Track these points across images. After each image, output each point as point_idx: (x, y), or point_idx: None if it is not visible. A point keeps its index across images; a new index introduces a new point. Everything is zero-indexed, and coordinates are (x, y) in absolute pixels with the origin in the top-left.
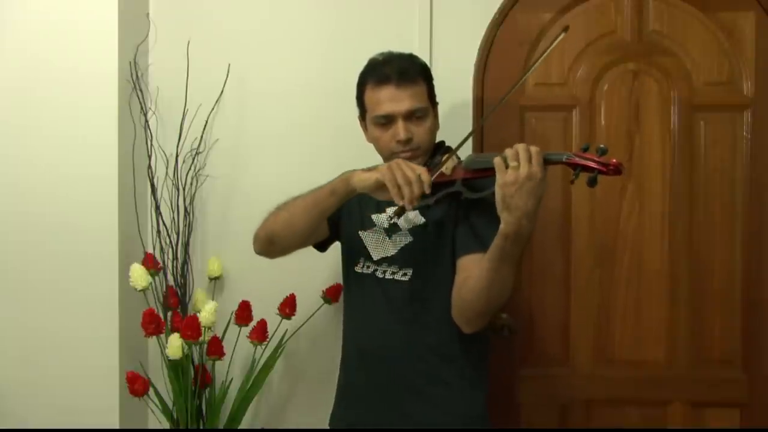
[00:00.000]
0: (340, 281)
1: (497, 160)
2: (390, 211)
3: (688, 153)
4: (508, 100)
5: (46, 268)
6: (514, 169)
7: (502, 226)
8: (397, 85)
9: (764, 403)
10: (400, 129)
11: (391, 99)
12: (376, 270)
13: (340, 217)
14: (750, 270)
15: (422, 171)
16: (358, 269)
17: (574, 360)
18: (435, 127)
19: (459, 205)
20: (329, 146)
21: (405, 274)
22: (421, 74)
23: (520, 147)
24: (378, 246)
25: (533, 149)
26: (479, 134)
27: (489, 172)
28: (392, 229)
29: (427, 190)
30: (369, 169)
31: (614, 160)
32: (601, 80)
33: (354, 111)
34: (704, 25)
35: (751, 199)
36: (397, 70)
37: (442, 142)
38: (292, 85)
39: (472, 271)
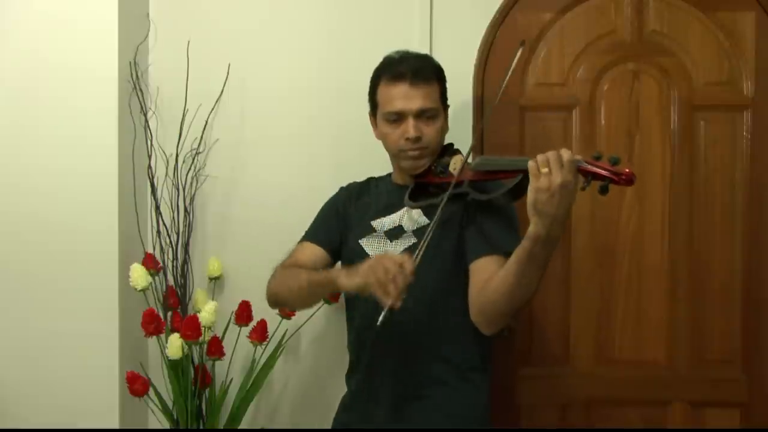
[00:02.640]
0: None
1: (532, 165)
2: (405, 223)
3: (688, 153)
4: (505, 100)
5: (46, 268)
6: (547, 176)
7: (531, 228)
8: (411, 84)
9: (764, 403)
10: (410, 127)
11: (404, 97)
12: None
13: (343, 240)
14: (750, 270)
15: (405, 259)
16: None
17: (574, 360)
18: (444, 128)
19: (466, 207)
20: (329, 146)
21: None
22: (436, 75)
23: (551, 154)
24: (381, 251)
25: (566, 157)
26: (479, 136)
27: (498, 175)
28: (394, 233)
29: (411, 279)
30: (353, 268)
31: (627, 170)
32: (601, 80)
33: (354, 110)
34: (704, 25)
35: (751, 199)
36: (413, 69)
37: (451, 144)
38: (292, 85)
39: (494, 272)
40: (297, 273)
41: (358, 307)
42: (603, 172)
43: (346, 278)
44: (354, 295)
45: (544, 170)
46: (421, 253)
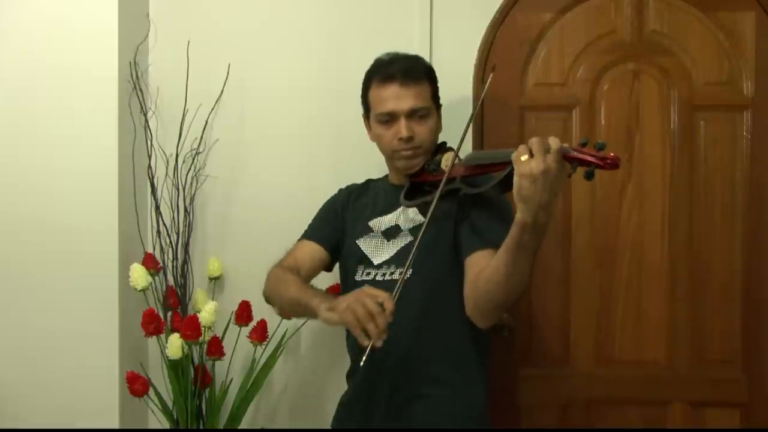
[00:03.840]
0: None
1: (514, 153)
2: (401, 221)
3: (688, 153)
4: (504, 101)
5: (46, 268)
6: (528, 163)
7: (518, 215)
8: (401, 84)
9: (764, 403)
10: (402, 127)
11: (395, 97)
12: (376, 275)
13: (341, 240)
14: (750, 270)
15: (385, 297)
16: (357, 277)
17: (574, 360)
18: (437, 127)
19: (459, 202)
20: (329, 146)
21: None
22: (426, 75)
23: (535, 141)
24: (378, 250)
25: (553, 144)
26: (479, 134)
27: (488, 169)
28: (391, 232)
29: (390, 319)
30: (333, 303)
31: (612, 154)
32: (601, 80)
33: (354, 111)
34: (704, 25)
35: (751, 199)
36: (402, 70)
37: (444, 143)
38: (292, 85)
39: (487, 265)
40: (288, 282)
41: None
42: (588, 158)
43: (327, 312)
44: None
45: (524, 157)
46: (399, 290)
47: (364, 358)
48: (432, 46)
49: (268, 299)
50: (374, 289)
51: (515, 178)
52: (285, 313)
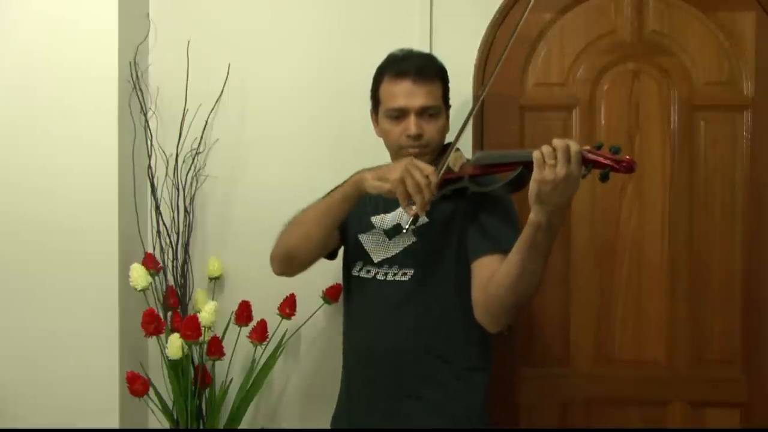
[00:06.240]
0: (341, 281)
1: (537, 155)
2: (404, 220)
3: (688, 153)
4: (504, 100)
5: (46, 268)
6: (552, 168)
7: (532, 216)
8: (414, 81)
9: (764, 403)
10: (412, 124)
11: (407, 94)
12: (377, 273)
13: (346, 223)
14: (750, 270)
15: (430, 172)
16: (355, 273)
17: (574, 360)
18: (445, 128)
19: (466, 203)
20: (329, 146)
21: (405, 274)
22: (439, 74)
23: (560, 146)
24: (379, 248)
25: (573, 149)
26: (479, 135)
27: (497, 168)
28: (394, 231)
29: (435, 191)
30: (379, 172)
31: (627, 157)
32: (601, 80)
33: (354, 110)
34: (704, 25)
35: (751, 199)
36: (416, 67)
37: (450, 143)
38: (293, 85)
39: (496, 270)
40: (304, 211)
41: (357, 309)
42: (604, 161)
43: (376, 181)
44: (354, 294)
45: (551, 162)
46: (444, 168)
47: (408, 225)
48: (432, 46)
49: (287, 247)
50: (420, 162)
51: (534, 183)
52: (311, 238)
